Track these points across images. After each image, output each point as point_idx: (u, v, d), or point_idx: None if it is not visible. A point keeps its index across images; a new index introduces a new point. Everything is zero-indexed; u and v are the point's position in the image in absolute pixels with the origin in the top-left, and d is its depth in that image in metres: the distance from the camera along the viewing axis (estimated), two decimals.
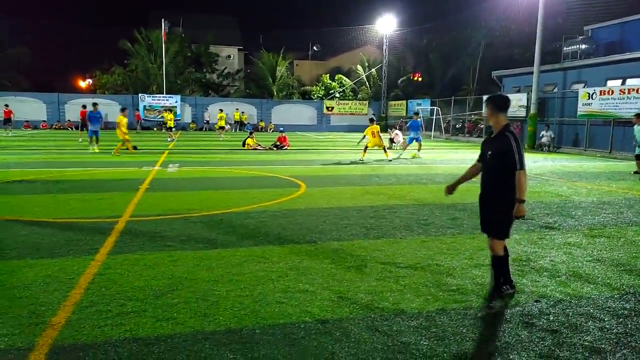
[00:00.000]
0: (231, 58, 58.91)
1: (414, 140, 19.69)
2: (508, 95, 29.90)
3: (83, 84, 59.07)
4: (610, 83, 23.00)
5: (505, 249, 4.35)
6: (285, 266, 5.12)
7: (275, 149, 21.77)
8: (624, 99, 21.30)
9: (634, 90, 20.91)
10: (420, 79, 47.79)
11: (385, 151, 18.03)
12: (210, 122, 41.96)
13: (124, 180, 11.44)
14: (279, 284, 4.58)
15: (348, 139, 33.04)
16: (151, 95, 42.19)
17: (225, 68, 52.16)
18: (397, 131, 25.13)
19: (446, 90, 42.96)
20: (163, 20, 40.90)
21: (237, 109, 43.07)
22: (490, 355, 3.36)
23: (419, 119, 20.35)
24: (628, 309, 4.22)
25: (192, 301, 4.17)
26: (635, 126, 14.73)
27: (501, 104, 4.35)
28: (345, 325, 3.73)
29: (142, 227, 6.74)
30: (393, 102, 47.04)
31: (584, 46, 27.57)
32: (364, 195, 9.84)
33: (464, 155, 20.65)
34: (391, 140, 24.09)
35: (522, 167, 4.06)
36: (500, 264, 4.30)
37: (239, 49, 61.79)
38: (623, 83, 22.45)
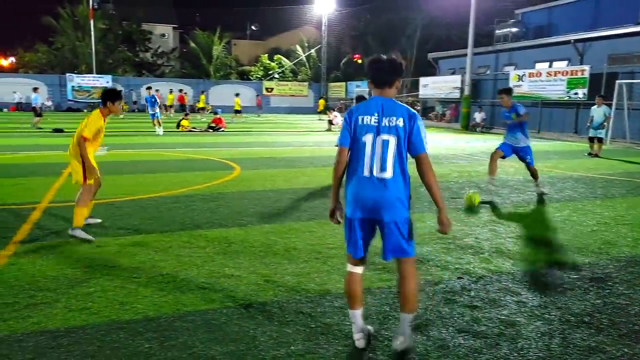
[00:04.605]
0: (165, 37, 56.74)
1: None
2: (444, 77, 30.42)
3: (5, 62, 55.29)
4: (538, 66, 24.10)
5: None
6: (212, 251, 4.97)
7: (211, 130, 21.22)
8: (550, 81, 22.39)
9: (559, 73, 22.03)
10: (360, 60, 48.03)
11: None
12: (138, 102, 39.48)
13: (45, 164, 10.73)
14: (203, 270, 4.43)
15: (288, 121, 32.80)
16: (80, 75, 39.79)
17: (159, 47, 50.12)
18: (335, 112, 25.22)
19: None
20: None
21: (171, 89, 37.75)
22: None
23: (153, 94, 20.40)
24: (542, 282, 4.42)
25: (110, 290, 3.95)
26: (595, 107, 14.49)
27: None
28: (269, 309, 3.66)
29: (62, 214, 6.35)
30: (333, 84, 47.08)
31: (514, 29, 28.68)
32: (299, 177, 9.77)
33: None
34: (330, 122, 24.17)
35: None
36: None
37: (173, 27, 59.58)
38: (550, 66, 23.59)
